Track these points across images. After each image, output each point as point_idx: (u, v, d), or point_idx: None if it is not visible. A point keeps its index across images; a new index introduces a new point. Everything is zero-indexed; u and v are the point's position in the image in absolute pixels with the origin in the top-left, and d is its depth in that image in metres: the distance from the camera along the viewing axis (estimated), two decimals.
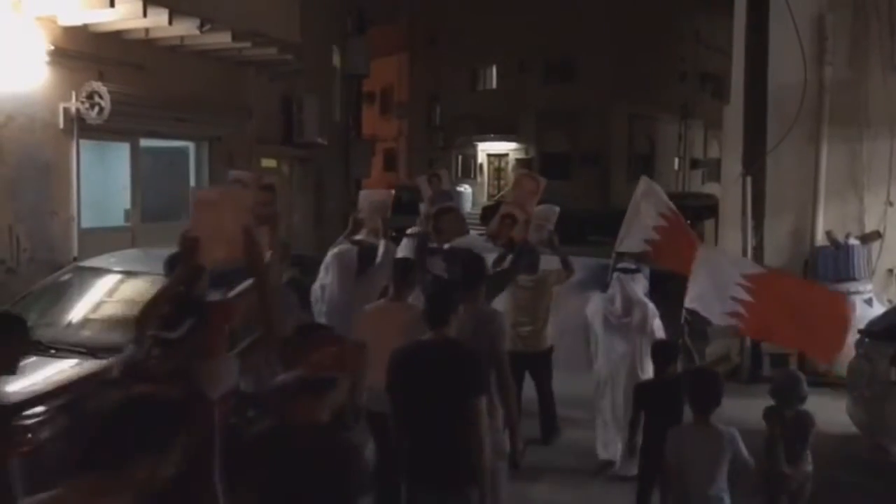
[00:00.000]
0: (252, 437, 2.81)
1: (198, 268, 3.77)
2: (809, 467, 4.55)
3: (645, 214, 6.21)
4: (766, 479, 4.49)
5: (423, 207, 6.94)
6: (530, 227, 6.33)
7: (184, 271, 3.72)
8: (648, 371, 5.54)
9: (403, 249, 6.25)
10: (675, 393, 4.36)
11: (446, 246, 6.20)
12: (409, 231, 6.65)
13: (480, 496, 3.51)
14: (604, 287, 6.20)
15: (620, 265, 6.14)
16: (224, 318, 3.54)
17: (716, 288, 5.38)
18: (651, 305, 5.97)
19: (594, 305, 6.21)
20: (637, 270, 6.08)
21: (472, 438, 3.50)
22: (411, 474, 3.74)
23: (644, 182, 6.53)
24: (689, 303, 5.54)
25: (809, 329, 5.29)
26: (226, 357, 3.54)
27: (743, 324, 5.49)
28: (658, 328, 5.85)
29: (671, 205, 6.28)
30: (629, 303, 5.91)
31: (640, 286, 6.03)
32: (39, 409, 4.69)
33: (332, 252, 6.26)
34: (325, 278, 6.13)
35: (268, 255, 4.02)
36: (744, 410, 7.48)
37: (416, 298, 4.93)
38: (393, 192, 7.04)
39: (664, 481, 4.36)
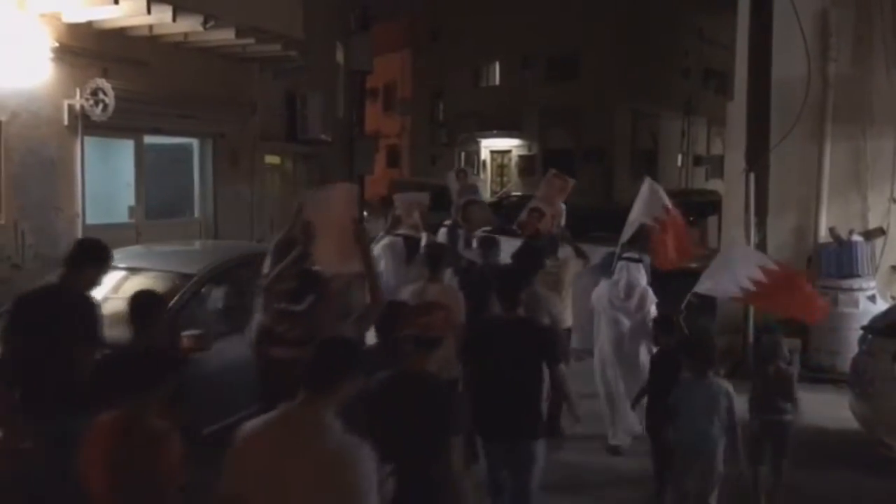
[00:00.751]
0: (373, 384, 3.26)
1: (310, 251, 4.42)
2: (790, 416, 5.21)
3: (652, 208, 7.03)
4: (754, 427, 5.24)
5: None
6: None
7: (301, 254, 4.34)
8: (644, 348, 6.26)
9: (441, 238, 7.15)
10: (674, 360, 5.12)
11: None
12: (445, 223, 7.58)
13: (570, 408, 4.49)
14: (609, 274, 6.72)
15: (626, 254, 6.70)
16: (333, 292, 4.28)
17: (730, 277, 6.07)
18: (651, 292, 6.53)
19: (600, 290, 6.71)
20: (640, 260, 6.64)
21: (563, 394, 4.42)
22: (484, 428, 4.20)
23: (648, 182, 7.36)
24: (700, 289, 6.18)
25: (798, 301, 6.15)
26: (342, 324, 4.11)
27: (744, 296, 6.25)
28: (653, 312, 6.40)
29: (669, 205, 6.95)
30: (631, 287, 6.47)
31: (641, 275, 6.57)
32: None
33: (382, 244, 7.05)
34: (379, 267, 6.68)
35: None
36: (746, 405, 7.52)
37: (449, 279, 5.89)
38: (428, 193, 7.92)
39: (668, 420, 4.95)
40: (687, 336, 5.49)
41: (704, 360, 4.80)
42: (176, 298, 5.76)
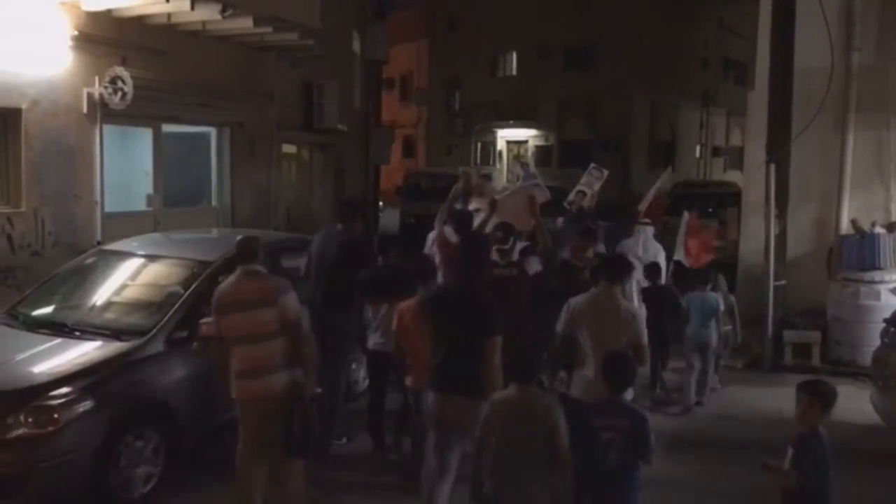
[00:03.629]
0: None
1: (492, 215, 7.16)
2: (728, 327, 7.88)
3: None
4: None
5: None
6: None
7: (487, 218, 7.10)
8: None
9: None
10: (662, 293, 7.62)
11: None
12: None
13: None
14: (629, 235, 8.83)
15: (640, 221, 8.90)
16: None
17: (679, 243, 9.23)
18: (661, 247, 8.63)
19: (622, 246, 8.48)
20: (650, 224, 8.87)
21: None
22: None
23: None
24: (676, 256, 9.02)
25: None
26: (531, 256, 6.79)
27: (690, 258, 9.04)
28: (663, 262, 8.45)
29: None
30: (647, 243, 8.53)
31: (651, 234, 8.73)
32: (65, 389, 4.78)
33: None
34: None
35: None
36: (765, 399, 7.49)
37: None
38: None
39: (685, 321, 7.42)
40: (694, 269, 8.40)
41: (704, 279, 7.54)
42: (194, 286, 5.78)
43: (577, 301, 5.01)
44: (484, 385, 4.14)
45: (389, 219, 18.42)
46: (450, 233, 6.90)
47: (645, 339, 4.84)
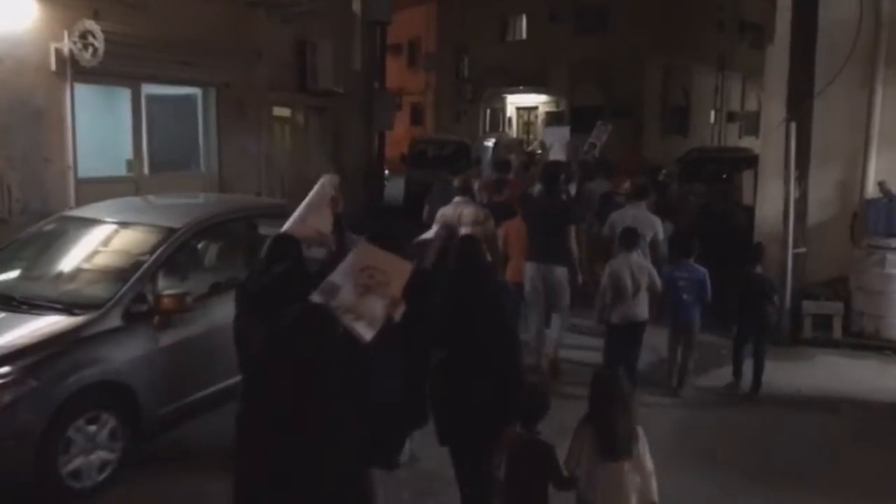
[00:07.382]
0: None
1: None
2: None
3: None
4: None
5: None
6: None
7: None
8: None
9: None
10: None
11: None
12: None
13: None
14: None
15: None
16: None
17: None
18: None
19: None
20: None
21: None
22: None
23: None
24: None
25: None
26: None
27: None
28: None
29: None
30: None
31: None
32: (4, 369, 4.39)
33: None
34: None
35: None
36: (785, 372, 7.05)
37: None
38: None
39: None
40: None
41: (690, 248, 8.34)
42: (157, 254, 5.32)
43: (616, 214, 7.50)
44: (567, 255, 6.85)
45: (395, 188, 17.93)
46: (490, 174, 9.37)
47: (662, 234, 7.31)
